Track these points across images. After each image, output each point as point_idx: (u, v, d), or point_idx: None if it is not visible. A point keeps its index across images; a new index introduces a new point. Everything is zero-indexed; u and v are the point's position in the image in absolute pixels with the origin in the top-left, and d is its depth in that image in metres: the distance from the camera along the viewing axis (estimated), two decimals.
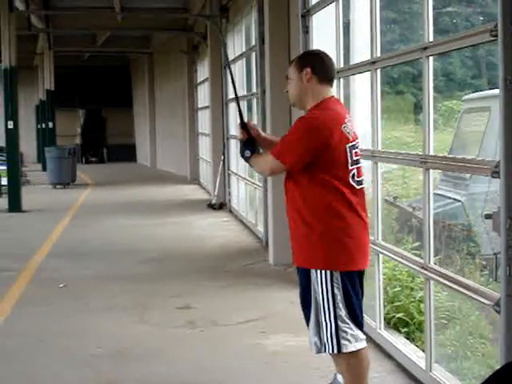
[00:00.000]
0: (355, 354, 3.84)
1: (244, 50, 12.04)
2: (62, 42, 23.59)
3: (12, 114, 14.46)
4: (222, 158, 14.27)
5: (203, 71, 18.09)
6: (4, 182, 16.66)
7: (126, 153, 31.54)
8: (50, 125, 23.75)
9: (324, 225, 3.76)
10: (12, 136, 14.53)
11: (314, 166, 3.71)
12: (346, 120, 3.78)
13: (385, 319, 5.61)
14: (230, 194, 13.95)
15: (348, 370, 3.90)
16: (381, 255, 5.41)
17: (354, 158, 3.77)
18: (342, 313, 3.79)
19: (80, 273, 8.46)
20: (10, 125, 14.39)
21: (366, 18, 6.80)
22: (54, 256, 9.51)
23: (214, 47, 14.70)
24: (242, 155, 4.03)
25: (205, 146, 18.26)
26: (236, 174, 13.26)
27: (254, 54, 10.76)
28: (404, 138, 12.61)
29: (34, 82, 30.26)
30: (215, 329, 6.12)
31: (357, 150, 3.80)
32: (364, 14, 7.12)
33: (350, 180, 3.75)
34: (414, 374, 4.76)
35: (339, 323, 3.79)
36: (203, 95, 18.27)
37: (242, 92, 12.38)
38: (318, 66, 3.86)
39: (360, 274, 3.89)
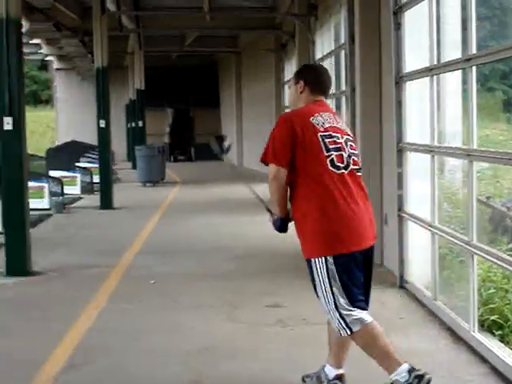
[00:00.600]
0: (366, 329, 4.12)
1: (333, 48, 11.97)
2: (151, 42, 23.98)
3: (104, 113, 14.78)
4: None
5: (291, 70, 18.08)
6: (96, 179, 17.09)
7: (213, 151, 31.75)
8: (140, 124, 24.18)
9: (311, 217, 4.17)
10: (104, 135, 14.85)
11: (295, 165, 4.19)
12: (317, 114, 4.25)
13: (479, 321, 5.48)
14: None
15: (366, 345, 4.20)
16: (475, 256, 5.28)
17: (330, 146, 4.19)
18: (342, 301, 4.12)
19: (169, 270, 8.58)
20: (102, 124, 14.70)
21: (457, 14, 6.69)
22: (144, 253, 9.67)
23: (302, 45, 14.67)
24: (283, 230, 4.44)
25: None
26: None
27: (343, 52, 10.69)
28: (495, 136, 12.31)
29: (124, 82, 30.86)
30: (305, 327, 6.10)
31: (334, 139, 4.21)
32: (455, 9, 7.01)
33: (329, 166, 4.16)
34: (510, 377, 4.63)
35: (341, 311, 4.13)
36: None
37: (330, 90, 12.31)
38: (311, 79, 4.42)
39: (360, 257, 4.16)
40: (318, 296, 4.28)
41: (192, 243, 10.44)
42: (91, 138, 24.28)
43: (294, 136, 4.19)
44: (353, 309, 4.12)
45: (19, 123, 8.37)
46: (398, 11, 7.16)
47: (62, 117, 35.67)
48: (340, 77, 11.19)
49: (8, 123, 8.26)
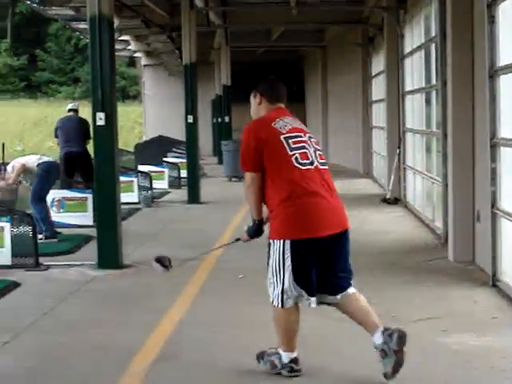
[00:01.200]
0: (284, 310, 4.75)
1: (423, 41, 11.77)
2: (237, 38, 24.10)
3: (192, 108, 14.94)
4: (398, 151, 14.05)
5: (378, 64, 17.88)
6: (183, 174, 17.31)
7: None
8: (227, 119, 24.35)
9: (280, 208, 4.65)
10: (192, 130, 15.02)
11: (265, 167, 4.65)
12: (278, 119, 4.76)
13: None
14: (405, 188, 13.72)
15: (277, 322, 4.87)
16: None
17: (294, 146, 4.65)
18: (290, 280, 4.67)
19: (257, 264, 8.57)
20: (190, 119, 14.86)
21: None
22: (232, 246, 9.71)
23: (391, 39, 14.49)
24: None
25: (378, 140, 18.06)
26: (412, 168, 13.01)
27: (433, 45, 10.50)
28: None
29: (210, 78, 31.10)
30: (395, 325, 6.00)
31: (298, 139, 4.69)
32: None
33: (294, 163, 4.62)
34: None
35: (285, 287, 4.70)
36: (378, 88, 18.07)
37: (420, 84, 12.14)
38: (266, 90, 4.97)
39: (323, 243, 4.60)
40: (267, 270, 4.81)
41: None
42: (178, 133, 24.60)
43: (259, 142, 4.67)
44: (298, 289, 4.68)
45: (111, 119, 8.55)
46: (492, 4, 6.99)
47: (149, 112, 36.23)
48: (430, 70, 11.00)
49: (101, 118, 8.45)
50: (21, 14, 62.58)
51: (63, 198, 11.64)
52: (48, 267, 8.47)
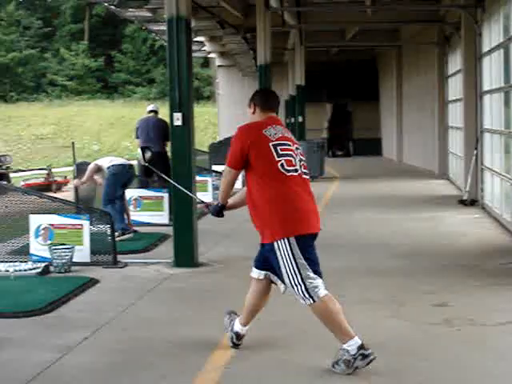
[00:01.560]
0: (322, 304, 4.99)
1: (502, 40, 11.54)
2: (311, 38, 24.07)
3: None
4: (475, 152, 13.81)
5: (454, 63, 17.61)
6: None
7: (372, 146, 31.59)
8: (300, 119, 24.33)
9: (269, 208, 4.98)
10: None
11: (251, 164, 5.03)
12: (269, 127, 5.11)
13: None
14: (482, 189, 13.48)
15: (322, 317, 5.07)
16: None
17: (281, 152, 5.01)
18: (307, 272, 4.98)
19: (333, 264, 8.57)
20: None
21: None
22: None
23: (468, 38, 14.24)
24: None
25: (455, 140, 17.79)
26: (491, 169, 12.77)
27: None
28: None
29: (283, 78, 31.15)
30: (473, 328, 5.93)
31: (286, 146, 5.04)
32: None
33: (280, 168, 4.97)
34: None
35: (306, 282, 4.99)
36: (454, 88, 17.80)
37: (499, 83, 11.90)
38: (259, 100, 5.33)
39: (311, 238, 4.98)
40: (281, 274, 5.01)
41: (354, 238, 10.41)
42: None
43: (246, 145, 5.04)
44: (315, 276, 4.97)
45: (188, 119, 8.64)
46: None
47: (223, 113, 36.52)
48: (509, 70, 10.77)
49: (178, 119, 8.55)
50: (98, 15, 63.84)
51: (140, 196, 11.83)
52: (126, 265, 8.62)
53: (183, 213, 8.74)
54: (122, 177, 10.60)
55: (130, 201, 11.55)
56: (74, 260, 8.37)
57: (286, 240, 4.91)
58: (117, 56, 62.61)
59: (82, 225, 8.68)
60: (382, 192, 16.67)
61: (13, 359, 5.34)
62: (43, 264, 8.31)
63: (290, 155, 5.04)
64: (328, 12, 20.53)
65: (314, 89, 29.67)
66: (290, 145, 5.10)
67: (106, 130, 49.10)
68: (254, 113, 5.33)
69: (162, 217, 11.75)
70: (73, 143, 12.12)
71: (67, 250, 8.31)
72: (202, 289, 7.61)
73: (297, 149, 5.14)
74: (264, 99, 5.37)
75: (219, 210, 5.47)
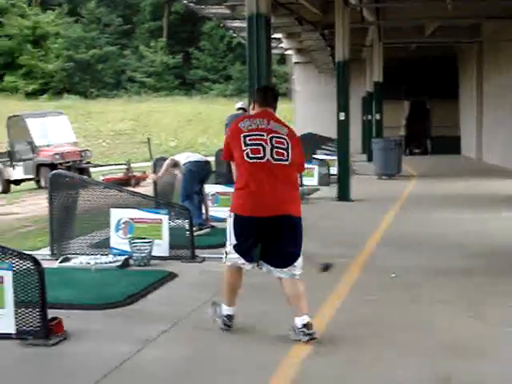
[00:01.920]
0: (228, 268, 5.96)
1: None
2: (390, 34, 23.84)
3: (344, 106, 14.91)
4: None
5: None
6: (332, 171, 17.33)
7: (450, 145, 31.07)
8: (377, 116, 24.13)
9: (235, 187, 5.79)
10: (343, 127, 14.98)
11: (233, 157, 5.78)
12: (246, 119, 5.82)
13: None
14: None
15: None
16: None
17: (249, 142, 5.64)
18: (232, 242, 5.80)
19: (409, 263, 8.50)
20: (342, 116, 14.84)
21: None
22: (384, 245, 9.67)
23: None
24: None
25: None
26: None
27: None
28: None
29: (359, 75, 30.91)
30: None
31: (257, 137, 5.65)
32: None
33: (245, 157, 5.62)
34: None
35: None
36: None
37: None
38: (258, 97, 6.06)
39: (258, 221, 5.60)
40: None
41: (432, 237, 10.28)
42: (326, 130, 24.68)
43: (228, 138, 5.88)
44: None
45: None
46: None
47: (299, 109, 36.51)
48: None
49: None
50: (176, 13, 64.66)
51: (217, 192, 11.93)
52: (203, 259, 8.71)
53: None
54: (198, 173, 10.71)
55: (209, 196, 11.66)
56: (153, 254, 8.51)
57: (232, 214, 5.75)
58: (194, 53, 63.30)
59: (161, 219, 8.81)
60: (460, 191, 16.40)
61: (92, 351, 5.46)
62: (123, 257, 8.48)
63: (259, 144, 5.64)
64: (407, 8, 20.27)
65: (392, 86, 29.36)
66: (262, 135, 5.67)
67: (183, 126, 49.69)
68: (253, 109, 6.00)
69: None
70: (148, 139, 12.35)
71: (147, 244, 8.45)
72: (279, 285, 7.61)
73: (272, 138, 5.67)
74: (262, 96, 6.04)
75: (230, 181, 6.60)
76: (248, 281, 7.75)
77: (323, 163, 18.39)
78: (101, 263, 8.36)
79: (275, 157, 5.63)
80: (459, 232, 10.71)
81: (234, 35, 35.22)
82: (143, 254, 8.40)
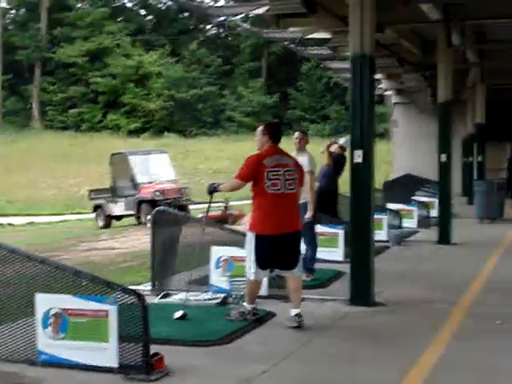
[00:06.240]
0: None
1: None
2: (493, 75, 23.38)
3: (445, 147, 14.65)
4: None
5: None
6: (433, 214, 16.98)
7: None
8: (480, 158, 23.63)
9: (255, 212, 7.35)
10: (445, 169, 14.67)
11: (253, 182, 7.20)
12: (268, 157, 7.24)
13: None
14: None
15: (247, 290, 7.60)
16: None
17: (271, 177, 7.16)
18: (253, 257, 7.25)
19: (509, 310, 8.20)
20: (443, 158, 14.56)
21: None
22: (487, 291, 9.38)
23: None
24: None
25: None
26: None
27: None
28: None
29: (461, 116, 30.33)
30: None
31: (275, 172, 7.19)
32: None
33: (266, 189, 7.16)
34: None
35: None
36: None
37: None
38: (272, 133, 7.46)
39: (277, 239, 7.18)
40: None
41: None
42: (425, 172, 24.26)
43: (253, 169, 7.20)
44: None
45: (368, 156, 8.62)
46: None
47: (397, 150, 36.09)
48: None
49: (359, 156, 8.54)
50: (275, 54, 65.38)
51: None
52: (303, 299, 8.63)
53: (361, 250, 8.68)
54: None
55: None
56: None
57: (254, 234, 7.26)
58: (292, 93, 63.70)
59: None
60: None
61: None
62: (222, 295, 8.50)
63: (277, 179, 7.19)
64: (511, 49, 19.85)
65: (494, 127, 28.71)
66: (280, 171, 7.22)
67: None
68: (267, 141, 7.36)
69: (336, 253, 11.73)
70: None
71: (245, 283, 8.44)
72: (378, 329, 7.49)
73: (285, 172, 7.24)
74: (275, 133, 7.47)
75: (212, 189, 7.69)
76: (347, 323, 7.66)
77: (423, 205, 18.06)
78: (200, 300, 8.40)
79: (287, 187, 7.24)
80: None
81: (333, 76, 35.33)
82: (241, 293, 8.38)
